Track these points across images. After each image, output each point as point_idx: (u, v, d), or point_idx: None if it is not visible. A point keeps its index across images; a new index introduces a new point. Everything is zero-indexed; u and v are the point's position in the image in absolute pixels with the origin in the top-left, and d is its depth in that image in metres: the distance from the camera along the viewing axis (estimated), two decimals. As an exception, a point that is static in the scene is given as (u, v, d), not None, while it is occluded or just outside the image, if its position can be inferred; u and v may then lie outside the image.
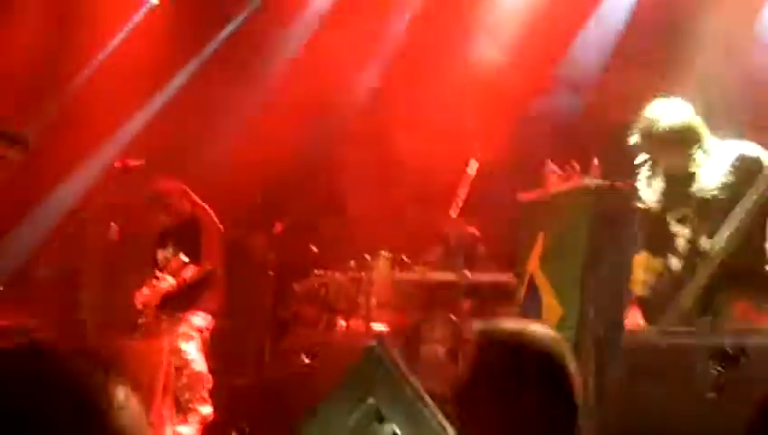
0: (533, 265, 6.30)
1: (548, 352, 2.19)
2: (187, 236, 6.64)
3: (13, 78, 9.05)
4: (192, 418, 6.35)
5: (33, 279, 9.74)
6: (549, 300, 5.96)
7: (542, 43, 8.50)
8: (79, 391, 1.15)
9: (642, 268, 4.57)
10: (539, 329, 2.33)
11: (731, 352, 2.82)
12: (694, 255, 4.27)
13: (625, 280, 4.78)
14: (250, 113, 9.38)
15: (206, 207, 6.82)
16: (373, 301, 7.80)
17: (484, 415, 2.19)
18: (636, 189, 5.34)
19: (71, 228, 8.16)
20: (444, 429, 3.55)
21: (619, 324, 5.09)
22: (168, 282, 6.53)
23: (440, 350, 7.49)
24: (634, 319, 4.44)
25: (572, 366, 2.20)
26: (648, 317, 4.41)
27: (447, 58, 9.02)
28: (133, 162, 6.90)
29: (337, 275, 8.26)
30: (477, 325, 2.29)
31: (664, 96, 4.68)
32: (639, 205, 4.82)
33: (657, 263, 4.55)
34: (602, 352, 4.95)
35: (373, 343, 3.42)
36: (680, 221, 4.38)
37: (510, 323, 2.37)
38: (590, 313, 5.45)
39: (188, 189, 6.86)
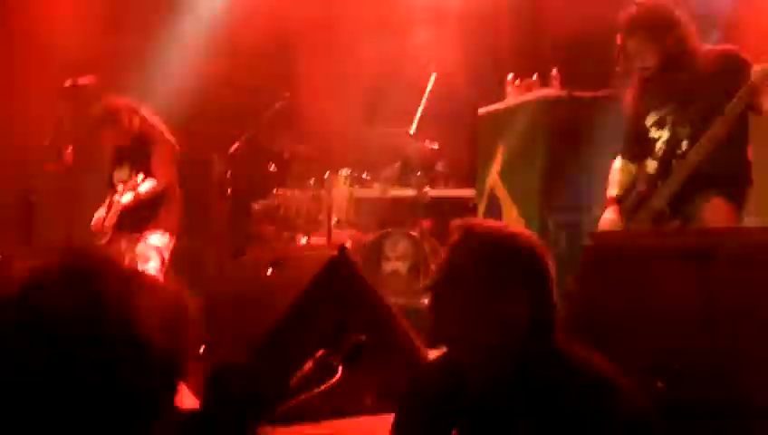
0: (493, 178, 6.30)
1: (532, 247, 2.19)
2: (140, 154, 6.50)
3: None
4: (154, 338, 6.33)
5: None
6: (509, 212, 5.98)
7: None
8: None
9: (619, 171, 4.58)
10: (520, 228, 2.35)
11: (698, 252, 2.83)
12: (670, 157, 4.27)
13: (587, 188, 4.78)
14: (198, 35, 9.18)
15: (159, 123, 6.67)
16: (333, 218, 7.80)
17: (464, 308, 2.17)
18: (598, 98, 5.34)
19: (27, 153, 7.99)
20: (410, 338, 3.57)
21: (578, 234, 5.13)
22: (126, 197, 6.41)
23: (402, 266, 7.53)
24: (610, 218, 4.46)
25: (551, 267, 2.20)
26: (624, 217, 4.44)
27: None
28: (83, 80, 6.70)
29: (296, 193, 8.22)
30: (455, 222, 2.26)
31: None
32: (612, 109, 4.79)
33: (633, 167, 4.56)
34: (562, 263, 4.99)
35: (335, 253, 3.41)
36: (658, 124, 4.36)
37: (491, 222, 2.38)
38: (550, 224, 5.47)
39: (139, 106, 6.69)
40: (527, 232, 2.31)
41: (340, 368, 2.90)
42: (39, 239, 7.76)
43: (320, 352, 2.99)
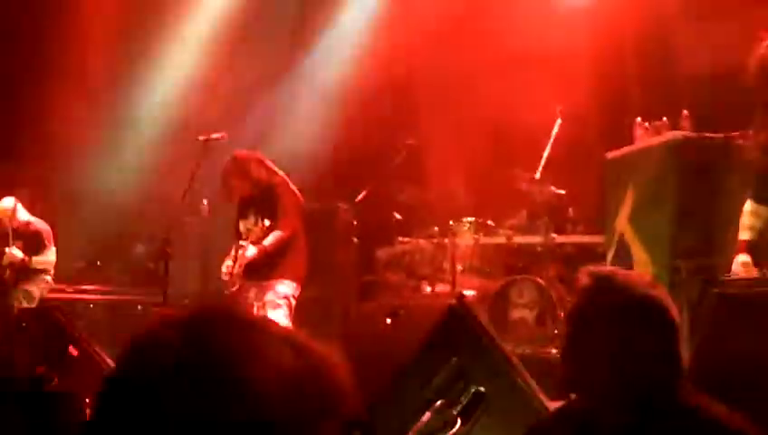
0: (622, 223, 6.13)
1: (657, 296, 2.18)
2: (266, 205, 6.66)
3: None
4: (282, 385, 6.41)
5: (132, 255, 10.04)
6: (639, 256, 5.80)
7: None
8: None
9: (750, 214, 4.39)
10: (647, 276, 2.35)
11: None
12: None
13: (720, 232, 4.59)
14: (325, 83, 9.37)
15: (283, 175, 6.83)
16: (458, 266, 7.74)
17: (594, 354, 2.17)
18: (731, 139, 5.14)
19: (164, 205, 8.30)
20: (531, 389, 3.48)
21: (712, 279, 4.92)
22: (250, 250, 6.57)
23: (529, 314, 7.39)
24: (742, 263, 4.27)
25: (677, 320, 2.19)
26: (757, 262, 4.24)
27: (526, 12, 8.79)
28: (215, 135, 6.96)
29: (421, 241, 8.22)
30: (585, 269, 2.25)
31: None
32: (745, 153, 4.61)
33: (764, 210, 4.36)
34: (695, 309, 4.79)
35: (455, 302, 3.37)
36: None
37: (619, 270, 2.37)
38: (682, 269, 5.27)
39: (265, 158, 6.88)
40: (654, 281, 2.29)
41: (459, 419, 2.86)
42: (175, 289, 8.02)
43: (438, 403, 2.94)
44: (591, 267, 2.32)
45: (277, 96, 9.56)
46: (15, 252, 7.96)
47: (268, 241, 6.55)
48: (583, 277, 2.25)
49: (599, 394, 2.18)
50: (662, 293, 2.22)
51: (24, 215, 8.16)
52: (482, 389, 2.99)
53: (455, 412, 2.84)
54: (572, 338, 2.23)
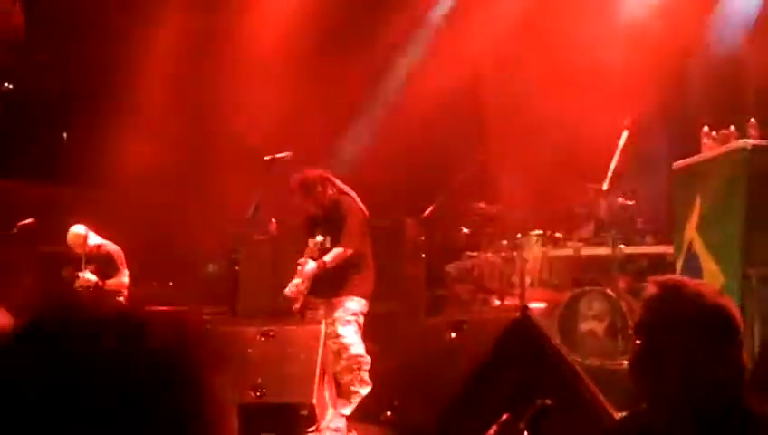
0: (691, 232, 6.06)
1: (726, 306, 2.18)
2: (332, 223, 6.74)
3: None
4: (354, 399, 6.46)
5: (203, 274, 10.24)
6: (709, 266, 5.72)
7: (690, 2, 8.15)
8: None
9: None
10: (713, 286, 2.37)
11: None
12: None
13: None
14: (391, 98, 9.44)
15: (351, 192, 6.91)
16: (527, 279, 7.73)
17: (664, 365, 2.18)
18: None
19: (233, 225, 8.44)
20: (598, 400, 3.47)
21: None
22: (309, 266, 6.66)
23: (598, 326, 7.34)
24: None
25: (741, 328, 2.21)
26: None
27: (591, 21, 8.75)
28: (280, 154, 7.07)
29: (489, 255, 8.22)
30: (653, 279, 2.27)
31: None
32: None
33: None
34: (766, 319, 4.72)
35: (519, 315, 3.39)
36: None
37: (686, 279, 2.38)
38: (753, 277, 5.20)
39: (332, 176, 6.95)
40: (720, 290, 2.29)
41: (526, 432, 2.87)
42: (245, 306, 8.16)
43: (504, 417, 2.96)
44: (659, 277, 2.33)
45: (344, 114, 9.66)
46: (89, 276, 8.15)
47: (328, 257, 6.64)
48: (651, 287, 2.26)
49: (669, 405, 2.19)
50: (729, 302, 2.22)
51: (95, 239, 8.33)
52: (548, 401, 3.00)
53: (521, 425, 2.85)
54: (642, 348, 2.23)
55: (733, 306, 2.19)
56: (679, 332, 2.15)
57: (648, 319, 2.24)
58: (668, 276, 2.40)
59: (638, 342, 2.26)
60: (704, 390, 2.13)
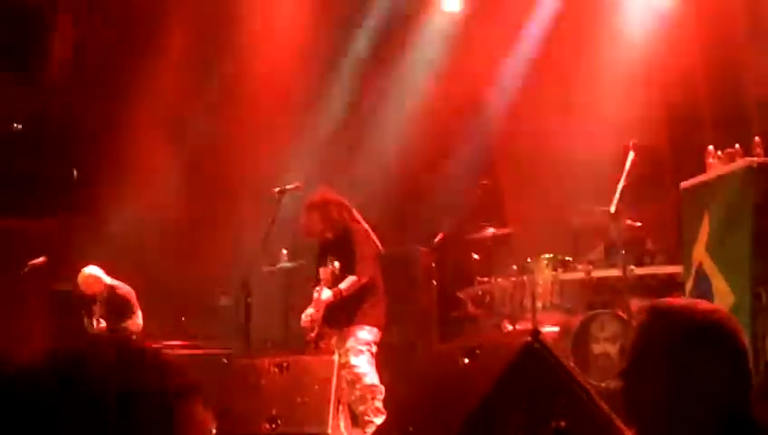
0: (700, 252, 6.08)
1: (718, 324, 2.15)
2: (343, 251, 6.77)
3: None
4: (369, 429, 6.46)
5: (213, 307, 10.25)
6: (719, 285, 5.74)
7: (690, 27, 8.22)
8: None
9: None
10: (706, 303, 2.34)
11: None
12: None
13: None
14: (399, 125, 9.51)
15: (365, 224, 6.95)
16: (538, 303, 7.75)
17: (653, 390, 2.15)
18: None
19: (244, 257, 8.47)
20: (613, 423, 3.48)
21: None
22: (325, 293, 6.68)
23: (611, 348, 7.34)
24: None
25: (744, 340, 2.17)
26: None
27: (594, 45, 8.83)
28: (290, 186, 7.12)
29: (500, 280, 8.24)
30: (645, 303, 2.28)
31: None
32: None
33: None
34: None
35: (530, 338, 3.40)
36: None
37: (676, 299, 2.37)
38: (764, 295, 5.21)
39: (349, 205, 6.99)
40: (714, 306, 2.28)
41: (541, 455, 2.88)
42: (258, 338, 8.18)
43: (518, 440, 2.98)
44: (647, 302, 2.33)
45: (352, 141, 9.73)
46: (101, 324, 8.17)
47: (344, 285, 6.67)
48: (640, 315, 2.27)
49: (664, 429, 2.16)
50: (723, 315, 2.20)
51: (107, 280, 8.36)
52: (562, 423, 3.02)
53: (535, 448, 2.87)
54: (633, 373, 2.20)
55: (725, 320, 2.17)
56: (664, 353, 2.13)
57: (635, 344, 2.22)
58: (656, 301, 2.39)
59: (624, 366, 2.24)
60: (702, 405, 2.11)
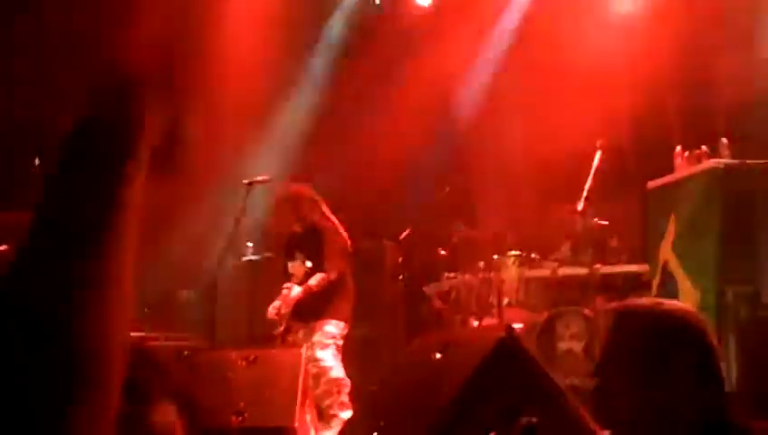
0: (666, 251, 6.14)
1: (687, 324, 2.18)
2: (312, 247, 6.75)
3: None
4: (335, 423, 6.45)
5: (177, 300, 10.16)
6: (684, 284, 5.80)
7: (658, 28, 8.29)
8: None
9: None
10: (675, 303, 2.35)
11: None
12: None
13: (765, 257, 4.59)
14: (369, 121, 9.50)
15: (333, 217, 6.92)
16: (505, 300, 7.78)
17: (623, 391, 2.17)
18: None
19: (210, 250, 8.41)
20: (583, 418, 3.51)
21: (758, 305, 4.92)
22: (295, 290, 6.67)
23: (576, 345, 7.39)
24: None
25: (713, 338, 2.19)
26: None
27: (565, 47, 8.88)
28: (259, 178, 7.07)
29: (467, 276, 8.27)
30: (611, 305, 2.30)
31: None
32: None
33: None
34: (744, 334, 4.79)
35: (504, 334, 3.43)
36: None
37: (644, 300, 2.39)
38: (729, 294, 5.28)
39: (321, 200, 6.96)
40: (682, 306, 2.31)
41: (512, 451, 2.89)
42: (223, 332, 8.13)
43: (490, 435, 2.99)
44: (614, 304, 2.34)
45: (321, 135, 9.70)
46: None
47: (313, 282, 6.65)
48: (607, 314, 2.29)
49: (638, 429, 2.17)
50: (691, 315, 2.22)
51: None
52: (534, 419, 3.03)
53: (507, 443, 2.88)
54: (605, 375, 2.23)
55: (693, 319, 2.19)
56: (633, 354, 2.15)
57: (605, 345, 2.25)
58: (621, 303, 2.41)
59: (597, 370, 2.27)
60: (674, 404, 2.12)
